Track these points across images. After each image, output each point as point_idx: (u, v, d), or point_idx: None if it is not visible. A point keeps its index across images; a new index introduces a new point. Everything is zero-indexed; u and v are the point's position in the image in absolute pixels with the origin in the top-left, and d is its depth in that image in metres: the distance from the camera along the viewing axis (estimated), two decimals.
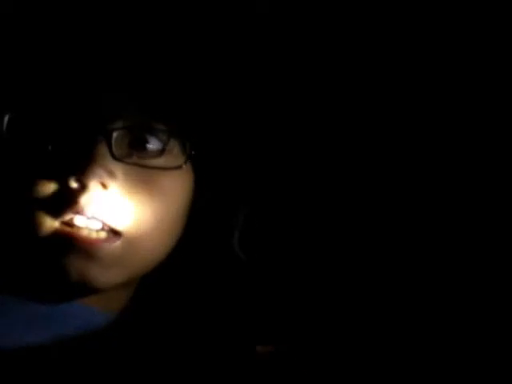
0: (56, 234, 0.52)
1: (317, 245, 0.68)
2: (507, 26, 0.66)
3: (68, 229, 0.52)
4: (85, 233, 0.52)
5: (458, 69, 0.68)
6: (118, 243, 0.53)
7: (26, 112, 0.53)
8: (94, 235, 0.52)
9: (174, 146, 0.55)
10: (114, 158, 0.52)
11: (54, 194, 0.52)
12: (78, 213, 0.52)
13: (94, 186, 0.51)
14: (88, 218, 0.52)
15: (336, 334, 0.66)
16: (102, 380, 0.55)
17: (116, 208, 0.53)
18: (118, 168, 0.52)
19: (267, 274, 0.62)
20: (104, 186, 0.52)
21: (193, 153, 0.55)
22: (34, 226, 0.52)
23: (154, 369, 0.57)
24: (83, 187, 0.51)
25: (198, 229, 0.60)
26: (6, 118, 0.52)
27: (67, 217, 0.52)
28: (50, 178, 0.52)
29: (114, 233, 0.53)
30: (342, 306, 0.68)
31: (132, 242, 0.54)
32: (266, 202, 0.64)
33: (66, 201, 0.52)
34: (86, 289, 0.54)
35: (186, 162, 0.55)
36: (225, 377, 0.57)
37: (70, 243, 0.52)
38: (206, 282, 0.62)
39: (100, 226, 0.52)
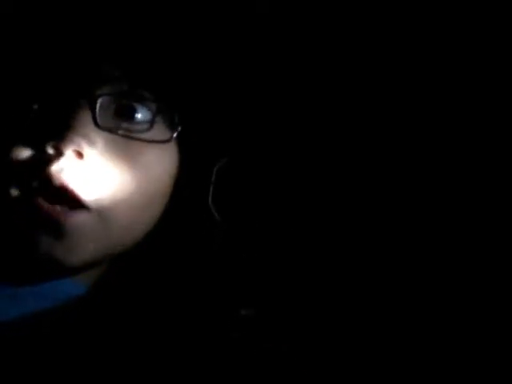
0: (23, 207, 0.49)
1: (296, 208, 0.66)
2: (507, 26, 0.66)
3: (35, 201, 0.48)
4: (52, 203, 0.49)
5: (458, 69, 0.67)
6: (87, 217, 0.49)
7: (9, 71, 0.51)
8: (60, 207, 0.49)
9: (162, 120, 0.52)
10: (97, 126, 0.49)
11: (28, 160, 0.49)
12: (47, 180, 0.48)
13: (69, 154, 0.48)
14: (57, 187, 0.48)
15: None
16: (79, 354, 0.51)
17: (90, 180, 0.49)
18: (99, 137, 0.50)
19: (243, 235, 0.59)
20: (80, 154, 0.49)
21: (180, 128, 0.53)
22: (1, 191, 0.49)
23: (133, 340, 0.54)
24: (58, 154, 0.48)
25: (180, 207, 0.57)
26: None
27: (35, 184, 0.48)
28: (26, 142, 0.50)
29: (84, 206, 0.49)
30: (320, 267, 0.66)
31: (104, 217, 0.50)
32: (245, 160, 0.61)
33: (38, 167, 0.48)
34: (55, 268, 0.51)
35: (173, 137, 0.53)
36: (209, 345, 0.55)
37: (38, 215, 0.49)
38: (187, 250, 0.58)
39: (70, 197, 0.49)
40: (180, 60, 0.54)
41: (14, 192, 0.49)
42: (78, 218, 0.49)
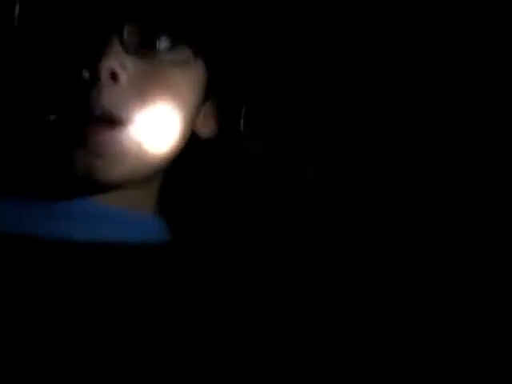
0: (64, 126, 0.52)
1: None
2: (507, 26, 0.67)
3: (74, 123, 0.52)
4: (92, 123, 0.52)
5: (458, 69, 0.69)
6: (124, 134, 0.53)
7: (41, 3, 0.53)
8: (100, 126, 0.52)
9: (185, 44, 0.55)
10: (126, 50, 0.52)
11: (65, 87, 0.52)
12: (88, 104, 0.51)
13: (105, 78, 0.51)
14: (96, 112, 0.52)
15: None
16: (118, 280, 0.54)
17: (125, 99, 0.53)
18: (129, 61, 0.52)
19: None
20: (114, 77, 0.52)
21: (203, 50, 0.56)
22: (44, 116, 0.52)
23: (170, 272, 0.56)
24: (95, 79, 0.51)
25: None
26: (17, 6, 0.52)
27: (76, 110, 0.52)
28: (61, 69, 0.52)
29: (119, 123, 0.53)
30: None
31: (138, 133, 0.53)
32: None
33: (78, 92, 0.51)
34: (95, 184, 0.54)
35: (195, 58, 0.56)
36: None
37: (79, 135, 0.52)
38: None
39: (108, 116, 0.52)
40: None
41: (55, 116, 0.52)
42: (116, 136, 0.53)
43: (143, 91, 0.54)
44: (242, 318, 0.57)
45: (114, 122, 0.52)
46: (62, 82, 0.52)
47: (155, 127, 0.54)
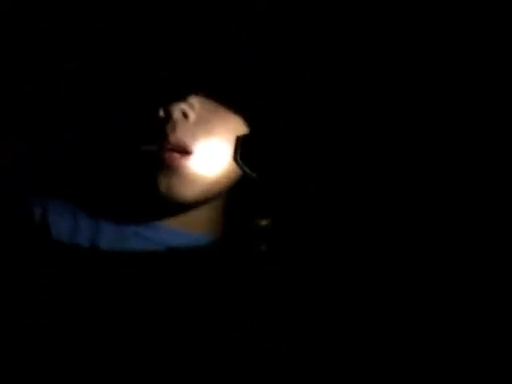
0: (149, 156, 0.64)
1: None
2: (507, 26, 0.69)
3: (157, 151, 0.64)
4: (170, 154, 0.64)
5: (458, 69, 0.70)
6: (193, 161, 0.65)
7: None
8: (176, 154, 0.64)
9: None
10: (193, 92, 0.66)
11: (147, 125, 0.66)
12: (165, 138, 0.64)
13: (177, 116, 0.65)
14: (172, 143, 0.64)
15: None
16: (187, 296, 0.64)
17: (193, 133, 0.65)
18: (196, 101, 0.66)
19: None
20: (185, 115, 0.66)
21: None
22: (132, 151, 0.66)
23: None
24: (169, 117, 0.65)
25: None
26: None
27: (156, 141, 0.64)
28: (144, 111, 0.66)
29: (190, 152, 0.65)
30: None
31: (204, 160, 0.65)
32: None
33: (156, 129, 0.65)
34: (173, 202, 0.65)
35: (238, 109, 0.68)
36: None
37: (159, 162, 0.64)
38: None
39: (181, 146, 0.64)
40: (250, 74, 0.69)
41: (142, 147, 0.65)
42: (187, 162, 0.65)
43: (208, 127, 0.66)
44: (242, 317, 0.64)
45: (186, 151, 0.65)
46: (146, 120, 0.66)
47: (218, 156, 0.66)
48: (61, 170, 0.79)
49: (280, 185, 0.70)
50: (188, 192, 0.65)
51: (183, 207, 0.68)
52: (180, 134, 0.65)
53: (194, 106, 0.66)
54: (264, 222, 0.71)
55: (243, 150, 0.68)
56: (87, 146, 0.78)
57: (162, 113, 0.66)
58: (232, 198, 0.71)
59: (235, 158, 0.68)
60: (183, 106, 0.65)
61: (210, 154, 0.66)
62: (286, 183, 0.70)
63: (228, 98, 0.68)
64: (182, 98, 0.66)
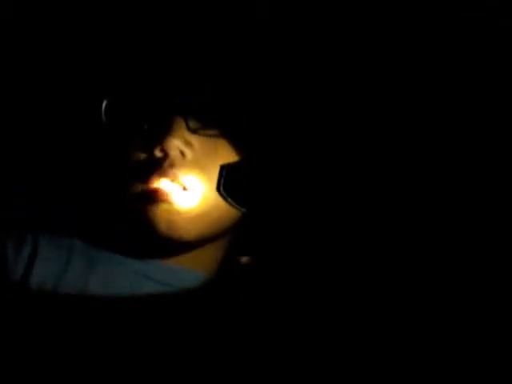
0: (147, 194, 0.64)
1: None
2: (506, 26, 0.67)
3: (155, 189, 0.63)
4: (168, 191, 0.63)
5: (458, 69, 0.69)
6: (194, 196, 0.64)
7: (118, 99, 0.65)
8: (175, 193, 0.63)
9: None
10: (190, 130, 0.64)
11: (144, 163, 0.64)
12: (162, 176, 0.63)
13: (174, 155, 0.63)
14: (170, 180, 0.63)
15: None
16: (185, 335, 0.64)
17: (191, 171, 0.64)
18: (193, 138, 0.64)
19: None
20: (182, 153, 0.64)
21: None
22: (130, 189, 0.65)
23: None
24: (166, 155, 0.64)
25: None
26: (104, 105, 0.65)
27: (154, 179, 0.63)
28: (140, 150, 0.65)
29: (189, 189, 0.64)
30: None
31: (204, 197, 0.64)
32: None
33: (154, 167, 0.64)
34: (174, 240, 0.64)
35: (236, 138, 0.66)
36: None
37: (158, 200, 0.63)
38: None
39: (179, 185, 0.63)
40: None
41: (138, 187, 0.64)
42: (188, 196, 0.64)
43: (205, 164, 0.65)
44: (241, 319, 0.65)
45: (184, 187, 0.64)
46: (143, 159, 0.65)
47: (214, 193, 0.65)
48: (57, 203, 0.78)
49: (263, 219, 0.69)
50: (193, 229, 0.65)
51: (184, 246, 0.67)
52: (177, 171, 0.64)
53: (191, 144, 0.65)
54: (244, 260, 0.69)
55: (226, 180, 0.65)
56: (82, 181, 0.77)
57: (158, 152, 0.64)
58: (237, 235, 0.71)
59: (218, 188, 0.66)
60: (180, 144, 0.64)
61: (209, 190, 0.65)
62: (268, 217, 0.69)
63: (227, 134, 0.66)
64: (179, 135, 0.64)
